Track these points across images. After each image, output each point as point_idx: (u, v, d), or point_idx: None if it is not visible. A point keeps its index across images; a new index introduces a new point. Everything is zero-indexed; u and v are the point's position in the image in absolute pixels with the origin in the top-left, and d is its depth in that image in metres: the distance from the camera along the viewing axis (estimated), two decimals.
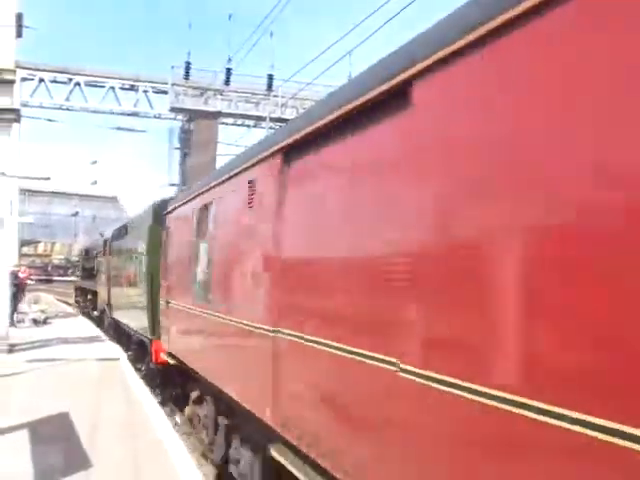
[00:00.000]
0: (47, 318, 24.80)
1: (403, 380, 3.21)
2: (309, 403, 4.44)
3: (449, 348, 2.94)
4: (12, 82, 15.41)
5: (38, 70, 33.48)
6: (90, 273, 28.50)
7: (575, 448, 2.25)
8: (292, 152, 4.92)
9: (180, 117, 37.56)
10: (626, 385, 2.06)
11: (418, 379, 3.08)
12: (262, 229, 5.42)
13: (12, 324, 21.07)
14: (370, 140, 3.78)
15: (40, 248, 77.41)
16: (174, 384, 11.07)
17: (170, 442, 7.71)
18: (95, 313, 26.13)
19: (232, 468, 6.66)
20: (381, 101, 3.61)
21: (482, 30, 2.76)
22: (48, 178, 16.13)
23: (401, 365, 3.24)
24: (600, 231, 2.20)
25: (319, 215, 4.40)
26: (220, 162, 33.80)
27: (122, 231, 18.80)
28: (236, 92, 35.67)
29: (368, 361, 3.56)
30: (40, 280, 58.95)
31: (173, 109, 35.68)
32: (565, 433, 2.27)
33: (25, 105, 31.29)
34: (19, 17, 16.82)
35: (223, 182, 6.96)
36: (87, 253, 32.56)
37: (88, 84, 34.63)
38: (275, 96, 34.00)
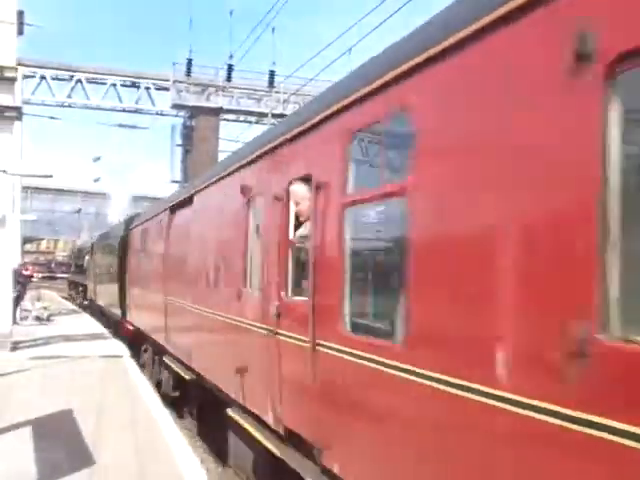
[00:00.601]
0: (50, 315, 24.86)
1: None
2: (178, 333, 10.06)
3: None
4: (14, 80, 15.41)
5: (39, 67, 33.49)
6: (81, 269, 35.91)
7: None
8: (174, 208, 11.00)
9: (182, 114, 37.54)
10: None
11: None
12: (162, 248, 11.69)
13: (15, 321, 21.15)
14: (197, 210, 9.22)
15: (43, 245, 77.63)
16: (137, 344, 15.80)
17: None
18: (85, 302, 32.67)
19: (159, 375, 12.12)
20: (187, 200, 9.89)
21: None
22: (50, 176, 16.12)
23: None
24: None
25: (185, 240, 9.67)
26: (222, 158, 33.83)
27: (104, 237, 25.66)
28: (238, 88, 35.65)
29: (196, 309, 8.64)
30: (44, 277, 59.07)
31: (175, 106, 35.68)
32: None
33: (27, 103, 31.31)
34: (20, 14, 16.83)
35: (151, 218, 13.73)
36: (78, 252, 40.93)
37: (90, 81, 34.63)
38: (277, 92, 33.97)
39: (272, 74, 34.31)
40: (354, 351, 4.02)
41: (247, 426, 6.13)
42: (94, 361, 13.94)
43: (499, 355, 2.80)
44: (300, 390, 4.95)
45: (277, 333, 5.37)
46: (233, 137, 49.63)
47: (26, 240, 50.03)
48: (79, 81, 34.27)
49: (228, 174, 7.41)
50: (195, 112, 36.22)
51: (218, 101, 35.53)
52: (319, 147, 4.79)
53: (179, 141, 38.00)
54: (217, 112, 35.92)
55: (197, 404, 9.25)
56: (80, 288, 36.32)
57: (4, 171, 13.76)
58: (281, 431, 5.33)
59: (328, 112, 4.53)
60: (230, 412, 6.70)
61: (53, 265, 68.73)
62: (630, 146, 2.37)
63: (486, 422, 2.88)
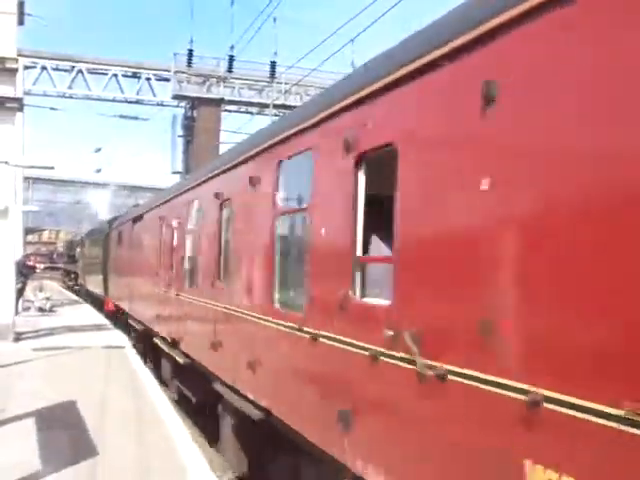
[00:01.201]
0: (53, 306, 24.94)
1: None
2: (136, 303, 15.73)
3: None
4: (15, 71, 15.37)
5: (40, 58, 33.37)
6: (73, 259, 45.47)
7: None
8: (135, 220, 16.16)
9: (183, 104, 37.42)
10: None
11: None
12: (128, 247, 17.55)
13: (17, 312, 21.22)
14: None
15: (45, 236, 77.68)
16: (117, 316, 20.60)
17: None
18: (77, 287, 40.40)
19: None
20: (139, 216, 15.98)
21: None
22: (52, 167, 16.09)
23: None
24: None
25: (138, 243, 15.56)
26: (223, 150, 33.77)
27: (91, 233, 33.70)
28: (239, 79, 35.50)
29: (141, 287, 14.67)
30: (46, 268, 59.17)
31: (176, 96, 35.56)
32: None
33: (28, 94, 31.24)
34: (21, 5, 16.74)
35: (124, 223, 18.82)
36: (70, 245, 51.64)
37: (90, 72, 34.51)
38: (278, 83, 33.84)
39: (273, 65, 34.16)
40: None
41: (158, 343, 11.84)
42: (97, 351, 14.02)
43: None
44: (174, 318, 10.73)
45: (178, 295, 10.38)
46: (235, 128, 49.67)
47: (28, 231, 50.05)
48: (80, 72, 34.15)
49: (151, 209, 14.14)
50: (196, 103, 36.12)
51: (219, 92, 35.41)
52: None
53: (180, 132, 37.90)
54: (218, 103, 35.80)
55: (148, 345, 13.79)
56: (72, 275, 44.95)
57: (6, 162, 13.75)
58: (169, 340, 10.86)
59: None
60: (154, 339, 12.22)
61: (55, 256, 68.83)
62: None
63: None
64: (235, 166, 7.35)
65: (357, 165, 4.33)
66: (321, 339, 4.69)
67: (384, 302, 4.00)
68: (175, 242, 10.85)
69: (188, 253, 9.90)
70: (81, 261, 37.06)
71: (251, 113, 36.95)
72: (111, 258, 22.26)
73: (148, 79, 35.53)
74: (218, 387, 7.36)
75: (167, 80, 35.32)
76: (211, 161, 11.42)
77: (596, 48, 2.55)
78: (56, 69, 34.08)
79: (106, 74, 34.80)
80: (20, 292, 21.74)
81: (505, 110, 2.98)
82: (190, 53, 34.18)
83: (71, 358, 13.06)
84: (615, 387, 2.38)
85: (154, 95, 35.96)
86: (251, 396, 6.28)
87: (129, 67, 35.57)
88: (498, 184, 3.00)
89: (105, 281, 23.44)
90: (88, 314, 24.40)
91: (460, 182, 3.27)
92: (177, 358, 9.90)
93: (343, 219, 4.47)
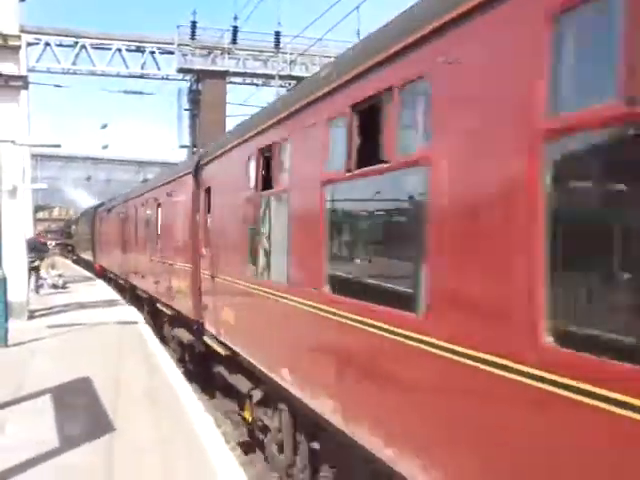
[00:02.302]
0: (65, 283, 25.18)
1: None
2: (114, 265, 25.53)
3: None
4: (18, 48, 15.23)
5: (43, 34, 33.06)
6: (69, 235, 59.90)
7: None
8: (109, 210, 27.72)
9: (188, 78, 37.07)
10: None
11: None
12: (105, 227, 29.12)
13: (35, 290, 21.43)
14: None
15: (55, 213, 78.04)
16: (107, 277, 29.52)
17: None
18: (74, 257, 51.51)
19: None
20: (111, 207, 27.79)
21: None
22: (59, 145, 16.08)
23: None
24: None
25: (113, 226, 25.22)
26: (229, 123, 33.53)
27: (83, 214, 45.34)
28: (244, 50, 35.06)
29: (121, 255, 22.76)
30: (57, 244, 59.69)
31: (181, 70, 35.22)
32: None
33: (32, 70, 31.04)
34: None
35: (99, 212, 31.82)
36: (68, 223, 64.86)
37: (94, 47, 34.17)
38: (283, 53, 33.40)
39: (278, 35, 33.70)
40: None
41: (120, 282, 23.56)
42: (110, 327, 14.17)
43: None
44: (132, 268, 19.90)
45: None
46: (241, 101, 49.23)
47: (38, 208, 50.29)
48: (83, 47, 33.81)
49: (117, 204, 24.28)
50: (201, 76, 35.77)
51: (224, 64, 35.01)
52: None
53: (186, 105, 37.65)
54: (223, 75, 35.43)
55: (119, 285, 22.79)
56: (69, 248, 58.55)
57: (13, 141, 13.74)
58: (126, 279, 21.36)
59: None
60: (119, 280, 22.77)
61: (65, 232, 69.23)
62: None
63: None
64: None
65: None
66: None
67: None
68: (134, 226, 19.15)
69: (140, 231, 18.11)
70: (76, 237, 51.45)
71: (257, 84, 36.58)
72: (97, 234, 32.67)
73: (152, 52, 35.14)
74: (158, 305, 14.94)
75: (171, 53, 34.94)
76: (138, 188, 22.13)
77: None
78: (59, 45, 33.75)
79: (110, 49, 34.45)
80: (36, 270, 21.91)
81: None
82: (194, 25, 33.76)
83: (85, 334, 13.22)
84: None
85: (158, 69, 35.62)
86: (180, 308, 12.27)
87: (132, 41, 35.17)
88: None
89: (93, 250, 34.64)
90: (101, 290, 24.64)
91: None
92: (122, 283, 22.77)
93: None
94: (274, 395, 6.63)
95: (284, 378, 5.98)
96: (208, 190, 9.75)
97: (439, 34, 3.50)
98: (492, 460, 3.07)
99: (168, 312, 13.47)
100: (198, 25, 33.94)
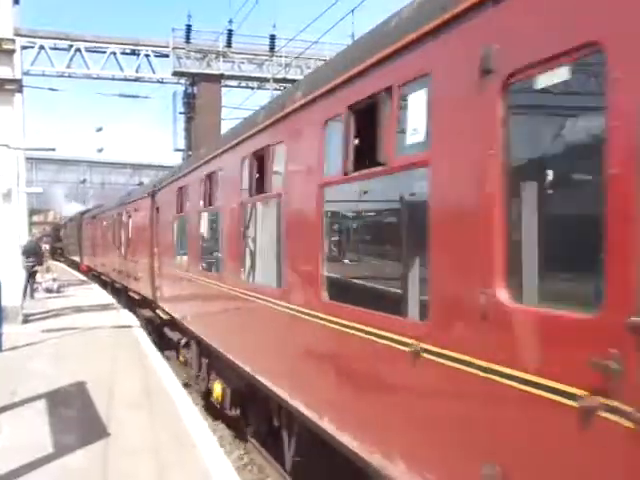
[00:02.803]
0: (60, 287, 25.06)
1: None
2: (98, 264, 30.74)
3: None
4: (12, 51, 15.21)
5: (37, 37, 33.01)
6: (59, 238, 62.02)
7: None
8: (94, 216, 32.54)
9: (183, 81, 37.08)
10: None
11: None
12: (90, 232, 34.27)
13: (31, 295, 21.26)
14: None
15: (51, 216, 77.75)
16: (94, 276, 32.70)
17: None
18: (62, 259, 54.74)
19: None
20: (94, 216, 33.24)
21: None
22: (53, 149, 16.11)
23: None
24: None
25: (96, 231, 31.11)
26: (224, 126, 33.54)
27: (71, 219, 50.06)
28: (238, 53, 35.10)
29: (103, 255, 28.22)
30: (53, 247, 59.54)
31: (176, 73, 35.23)
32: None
33: (27, 74, 30.95)
34: None
35: (85, 218, 37.11)
36: (57, 227, 66.40)
37: (89, 50, 34.15)
38: (279, 56, 33.44)
39: (273, 38, 33.75)
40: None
41: (103, 277, 28.13)
42: (105, 332, 14.13)
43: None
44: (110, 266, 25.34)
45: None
46: (236, 104, 49.25)
47: (33, 212, 50.14)
48: (78, 50, 33.78)
49: (100, 213, 29.79)
50: (196, 79, 35.78)
51: (219, 67, 35.04)
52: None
53: (181, 109, 37.65)
54: (218, 78, 35.45)
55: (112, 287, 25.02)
56: (59, 250, 60.97)
57: (6, 146, 13.70)
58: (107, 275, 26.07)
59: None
60: (102, 276, 27.74)
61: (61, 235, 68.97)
62: None
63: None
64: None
65: None
66: None
67: None
68: (111, 232, 23.80)
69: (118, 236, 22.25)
70: (65, 240, 56.43)
71: (251, 88, 36.61)
72: (83, 238, 37.32)
73: (147, 56, 35.14)
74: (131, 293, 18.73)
75: (166, 56, 34.95)
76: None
77: None
78: (54, 48, 33.72)
79: (104, 52, 34.43)
80: (33, 275, 21.74)
81: None
82: (188, 28, 33.80)
83: (80, 339, 13.18)
84: None
85: (153, 72, 35.62)
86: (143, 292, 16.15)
87: (127, 44, 35.15)
88: None
89: (80, 252, 39.21)
90: (95, 294, 24.56)
91: None
92: (105, 279, 25.95)
93: None
94: (190, 339, 11.04)
95: (190, 322, 10.58)
96: (157, 209, 14.42)
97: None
98: None
99: (136, 297, 18.14)
100: (193, 28, 34.00)
